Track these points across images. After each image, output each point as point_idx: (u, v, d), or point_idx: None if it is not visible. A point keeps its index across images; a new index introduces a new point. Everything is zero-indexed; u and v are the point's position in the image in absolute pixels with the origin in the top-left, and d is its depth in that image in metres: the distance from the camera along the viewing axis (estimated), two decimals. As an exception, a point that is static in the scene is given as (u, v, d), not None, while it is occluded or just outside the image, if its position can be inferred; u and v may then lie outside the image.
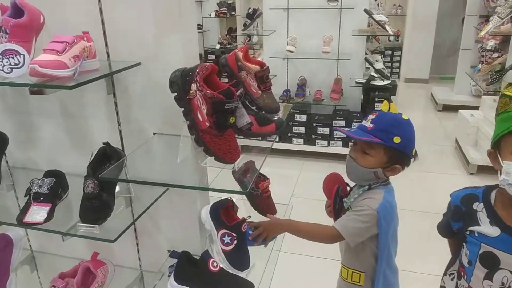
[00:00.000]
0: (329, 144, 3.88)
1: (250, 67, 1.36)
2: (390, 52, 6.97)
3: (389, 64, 6.99)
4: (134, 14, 1.16)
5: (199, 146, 1.03)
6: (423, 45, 6.54)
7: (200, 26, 5.79)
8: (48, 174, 1.22)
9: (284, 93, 3.94)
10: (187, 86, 1.02)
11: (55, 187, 1.17)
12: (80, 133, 1.37)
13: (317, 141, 3.89)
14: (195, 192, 1.38)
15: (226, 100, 0.99)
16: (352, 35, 3.61)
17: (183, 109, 1.05)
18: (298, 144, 3.95)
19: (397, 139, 1.17)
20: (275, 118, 1.27)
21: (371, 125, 1.20)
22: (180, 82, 1.03)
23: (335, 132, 3.82)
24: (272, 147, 3.97)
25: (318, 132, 3.85)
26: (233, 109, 1.02)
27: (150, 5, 1.15)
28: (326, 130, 3.83)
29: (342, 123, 3.77)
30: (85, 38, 1.04)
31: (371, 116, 1.22)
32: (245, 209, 1.65)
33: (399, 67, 7.06)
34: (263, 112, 1.38)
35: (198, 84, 1.00)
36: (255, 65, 1.37)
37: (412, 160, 1.25)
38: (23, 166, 1.48)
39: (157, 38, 1.19)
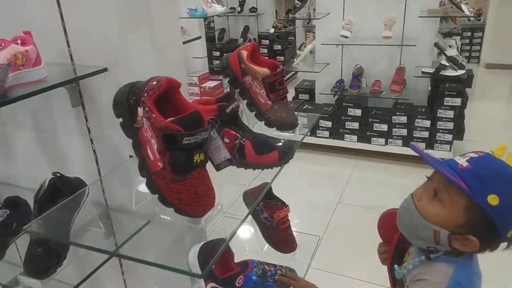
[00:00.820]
0: (386, 143, 3.42)
1: (257, 71, 1.04)
2: (469, 33, 6.12)
3: (468, 47, 6.16)
4: (93, 7, 0.88)
5: (152, 194, 0.74)
6: (510, 24, 5.62)
7: (254, 9, 5.47)
8: (7, 202, 1.02)
9: (337, 84, 3.53)
10: (133, 110, 0.73)
11: (8, 221, 0.96)
12: (54, 150, 1.15)
13: (373, 138, 3.45)
14: (183, 223, 1.11)
15: (183, 133, 0.68)
16: (420, 16, 3.08)
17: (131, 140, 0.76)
18: (351, 142, 3.54)
19: (493, 199, 0.74)
20: (280, 144, 0.94)
21: (465, 164, 0.79)
22: (126, 104, 0.74)
23: (394, 130, 3.35)
24: (323, 144, 3.58)
25: (374, 129, 3.41)
26: (200, 143, 0.71)
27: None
28: (384, 127, 3.37)
29: (404, 119, 3.29)
30: (18, 41, 0.79)
31: (472, 154, 0.82)
32: (257, 243, 1.36)
33: (479, 51, 6.19)
34: (275, 128, 1.06)
35: (146, 108, 0.71)
36: (263, 68, 1.04)
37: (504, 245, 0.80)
38: (3, 181, 1.31)
39: (124, 38, 0.91)
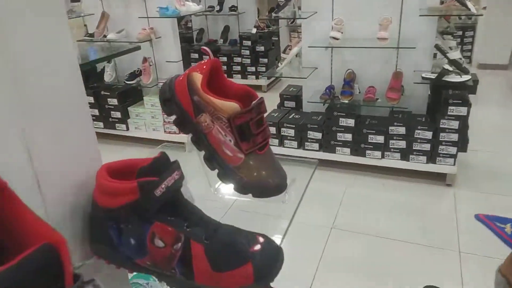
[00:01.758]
0: (383, 156, 3.07)
1: (219, 106, 0.65)
2: (460, 33, 5.83)
3: (459, 47, 5.86)
4: None
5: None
6: (504, 23, 5.35)
7: (234, 8, 5.06)
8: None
9: (327, 90, 3.16)
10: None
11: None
12: None
13: (368, 151, 3.09)
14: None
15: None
16: (420, 15, 2.72)
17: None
18: (343, 155, 3.18)
19: None
20: (257, 247, 0.55)
21: None
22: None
23: (391, 141, 3.00)
24: (312, 157, 3.23)
25: (369, 141, 3.05)
26: None
27: None
28: (380, 139, 3.02)
29: (402, 130, 2.94)
30: None
31: None
32: None
33: (470, 50, 5.91)
34: (250, 194, 0.67)
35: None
36: (230, 101, 0.64)
37: None
38: None
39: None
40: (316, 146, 3.22)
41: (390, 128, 2.97)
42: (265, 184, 0.68)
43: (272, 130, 3.27)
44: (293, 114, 3.37)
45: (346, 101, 3.06)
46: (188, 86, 0.66)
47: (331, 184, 3.12)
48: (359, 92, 3.13)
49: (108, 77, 3.88)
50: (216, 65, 0.68)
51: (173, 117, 0.70)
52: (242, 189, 0.68)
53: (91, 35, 3.82)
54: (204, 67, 0.66)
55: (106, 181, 0.51)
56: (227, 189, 0.72)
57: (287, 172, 0.74)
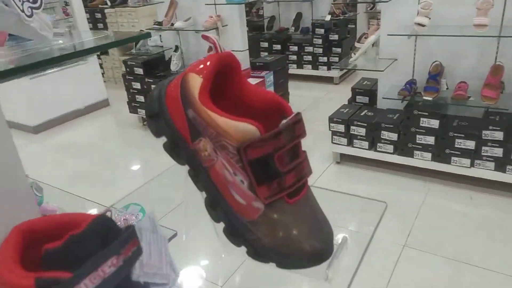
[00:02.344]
0: (472, 165, 2.61)
1: (224, 128, 0.40)
2: None
3: None
4: None
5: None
6: None
7: (308, -7, 4.75)
8: None
9: (407, 85, 2.75)
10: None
11: None
12: None
13: (454, 158, 2.65)
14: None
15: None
16: (532, -4, 2.21)
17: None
18: (422, 160, 2.76)
19: None
20: None
21: None
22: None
23: (484, 148, 2.53)
24: (384, 160, 2.87)
25: (456, 146, 2.60)
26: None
27: None
28: (470, 144, 2.56)
29: (499, 135, 2.46)
30: None
31: None
32: None
33: None
34: (275, 264, 0.43)
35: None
36: (243, 121, 0.40)
37: None
38: None
39: None
40: (390, 148, 2.84)
41: (483, 132, 2.50)
42: (296, 250, 0.43)
43: (341, 128, 2.96)
44: (366, 110, 3.01)
45: (430, 99, 2.63)
46: (181, 95, 0.43)
47: (406, 193, 2.74)
48: (447, 89, 2.68)
49: (174, 66, 3.82)
50: (228, 63, 0.44)
51: (164, 140, 0.47)
52: (258, 255, 0.44)
53: (160, 23, 3.77)
54: (207, 64, 0.42)
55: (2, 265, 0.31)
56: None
57: (336, 222, 0.48)
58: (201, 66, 0.42)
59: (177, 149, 0.45)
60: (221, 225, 0.46)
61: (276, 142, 0.41)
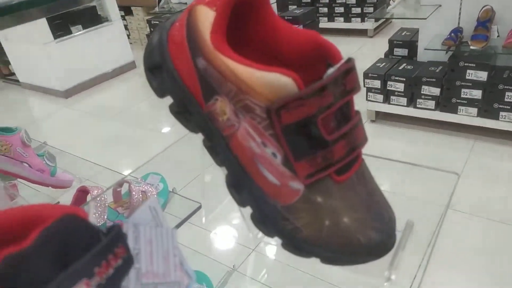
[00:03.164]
0: (524, 120, 2.38)
1: (249, 82, 0.29)
2: None
3: None
4: None
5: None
6: None
7: None
8: None
9: (452, 34, 2.49)
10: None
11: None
12: None
13: (502, 113, 2.43)
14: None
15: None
16: None
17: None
18: (468, 116, 2.55)
19: None
20: None
21: None
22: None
23: (538, 102, 2.29)
24: (425, 117, 2.70)
25: (506, 99, 2.38)
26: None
27: None
28: (522, 97, 2.32)
29: (557, 86, 2.20)
30: None
31: None
32: None
33: None
34: (319, 259, 0.33)
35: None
36: (278, 70, 0.28)
37: None
38: None
39: None
40: (431, 104, 2.64)
41: (538, 83, 2.26)
42: (348, 243, 0.32)
43: (376, 84, 2.76)
44: (405, 64, 2.78)
45: (479, 48, 2.37)
46: (188, 38, 0.31)
47: (449, 152, 2.56)
48: (498, 36, 2.41)
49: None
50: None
51: (169, 101, 0.36)
52: (297, 249, 0.33)
53: None
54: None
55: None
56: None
57: (396, 201, 0.36)
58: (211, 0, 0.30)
59: (187, 113, 0.34)
60: (249, 209, 0.35)
61: (320, 100, 0.29)
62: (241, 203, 0.35)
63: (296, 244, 0.33)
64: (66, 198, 0.97)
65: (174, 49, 0.33)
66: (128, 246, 0.22)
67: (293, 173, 0.31)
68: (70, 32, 3.99)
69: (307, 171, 0.31)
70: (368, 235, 0.33)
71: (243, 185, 0.34)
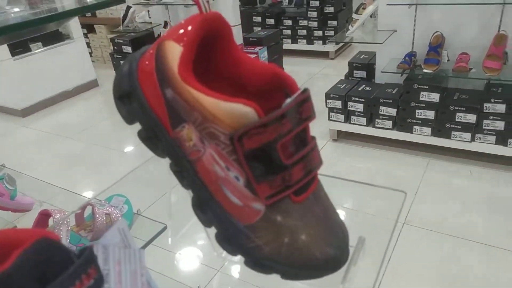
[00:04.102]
0: (473, 139, 2.54)
1: (213, 112, 0.31)
2: None
3: None
4: None
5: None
6: None
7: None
8: None
9: (406, 58, 2.65)
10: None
11: None
12: None
13: (454, 132, 2.58)
14: None
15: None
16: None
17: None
18: (422, 135, 2.69)
19: None
20: None
21: None
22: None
23: (485, 122, 2.46)
24: (383, 136, 2.80)
25: (457, 120, 2.53)
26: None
27: None
28: (471, 118, 2.48)
29: (501, 108, 2.38)
30: None
31: None
32: None
33: None
34: (279, 275, 0.35)
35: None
36: (239, 101, 0.31)
37: None
38: None
39: None
40: (389, 124, 2.77)
41: (485, 105, 2.42)
42: (306, 258, 0.35)
43: (338, 104, 2.86)
44: (363, 85, 2.91)
45: (431, 71, 2.53)
46: (157, 70, 0.33)
47: (405, 169, 2.68)
48: (448, 61, 2.58)
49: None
50: (215, 26, 0.34)
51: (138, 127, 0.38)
52: (259, 266, 0.35)
53: (147, -4, 3.61)
54: (189, 29, 0.33)
55: None
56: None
57: (349, 218, 0.40)
58: (181, 31, 0.32)
59: (155, 139, 0.36)
60: (214, 229, 0.37)
61: (279, 127, 0.32)
62: (206, 223, 0.37)
63: (258, 261, 0.35)
64: (23, 221, 0.94)
65: (144, 78, 0.35)
66: (99, 267, 0.24)
67: (254, 194, 0.33)
68: (29, 50, 3.88)
69: (267, 193, 0.33)
70: (324, 250, 0.35)
71: (208, 206, 0.36)
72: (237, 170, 0.33)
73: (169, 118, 0.34)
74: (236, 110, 0.31)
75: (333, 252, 0.36)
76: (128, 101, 0.37)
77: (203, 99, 0.31)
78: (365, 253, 0.40)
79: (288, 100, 0.33)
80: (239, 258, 0.38)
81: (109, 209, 0.72)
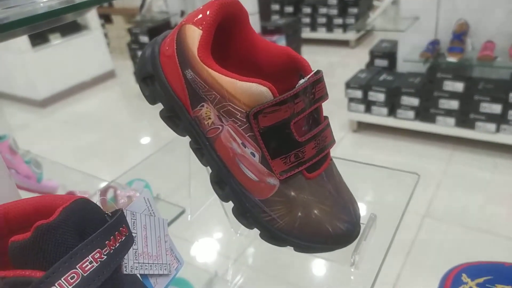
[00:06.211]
0: (498, 130, 2.49)
1: (231, 91, 0.33)
2: None
3: None
4: None
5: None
6: None
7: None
8: None
9: (430, 46, 2.60)
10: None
11: None
12: None
13: (478, 123, 2.53)
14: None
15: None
16: None
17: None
18: (446, 126, 2.65)
19: None
20: None
21: None
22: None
23: (510, 112, 2.40)
24: (405, 128, 2.76)
25: (481, 110, 2.48)
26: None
27: None
28: (496, 108, 2.43)
29: (528, 97, 2.31)
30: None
31: None
32: None
33: None
34: (292, 248, 0.37)
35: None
36: (255, 80, 0.33)
37: None
38: None
39: None
40: (411, 114, 2.73)
41: (511, 95, 2.36)
42: (318, 233, 0.37)
43: (358, 94, 2.84)
44: (385, 75, 2.88)
45: (455, 60, 2.48)
46: (177, 52, 0.36)
47: (427, 161, 2.64)
48: (472, 49, 2.52)
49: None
50: (232, 11, 0.36)
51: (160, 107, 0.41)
52: (273, 238, 0.37)
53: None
54: (207, 14, 0.35)
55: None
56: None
57: (361, 197, 0.41)
58: (200, 15, 0.35)
59: (175, 118, 0.39)
60: (230, 204, 0.40)
61: (293, 106, 0.33)
62: (224, 198, 0.40)
63: (273, 234, 0.38)
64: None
65: (165, 61, 0.37)
66: (129, 226, 0.26)
67: (269, 170, 0.35)
68: (48, 40, 3.96)
69: (281, 168, 0.35)
70: (336, 225, 0.37)
71: (226, 182, 0.38)
72: (253, 146, 0.35)
73: (189, 98, 0.36)
74: (252, 89, 0.33)
75: (344, 227, 0.37)
76: (151, 83, 0.39)
77: (221, 79, 0.33)
78: (376, 230, 0.41)
79: (302, 81, 0.34)
80: (254, 234, 0.40)
81: (130, 193, 0.75)
